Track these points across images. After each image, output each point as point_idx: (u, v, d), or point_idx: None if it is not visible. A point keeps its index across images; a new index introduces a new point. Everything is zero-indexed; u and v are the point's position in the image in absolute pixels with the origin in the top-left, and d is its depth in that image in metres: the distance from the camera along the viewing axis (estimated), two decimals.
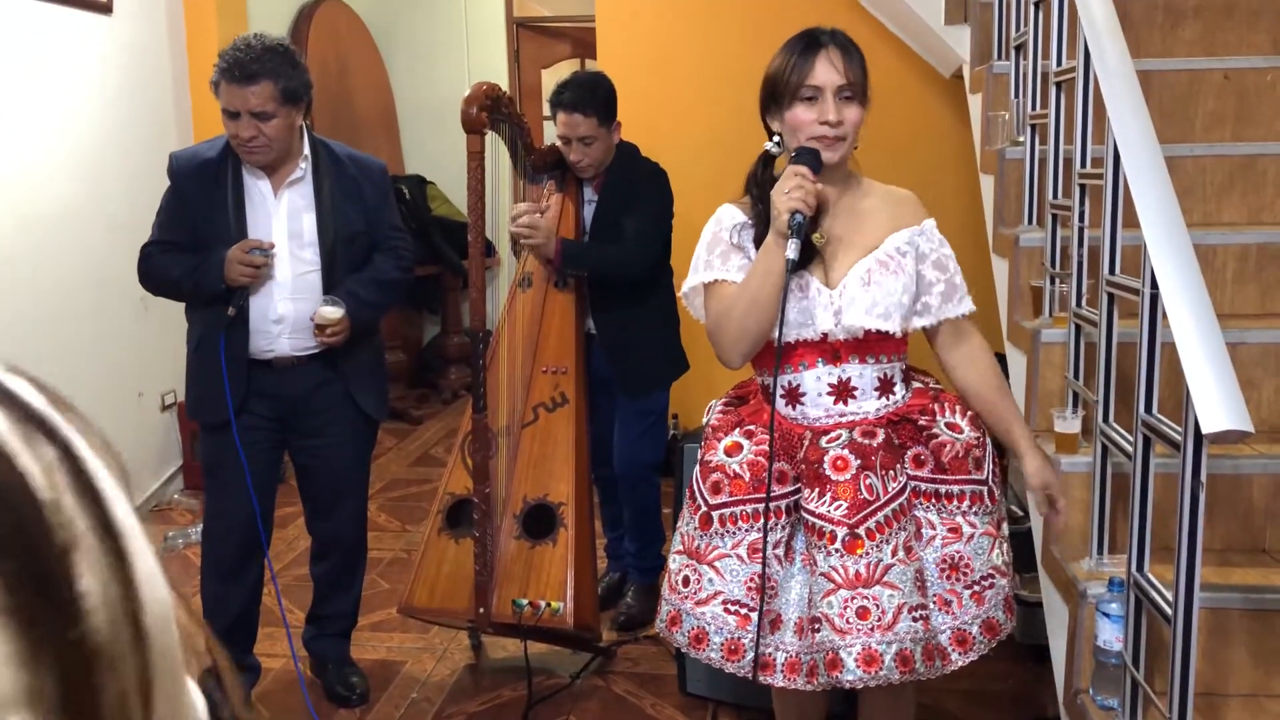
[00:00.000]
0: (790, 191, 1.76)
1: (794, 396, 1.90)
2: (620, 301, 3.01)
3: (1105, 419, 2.03)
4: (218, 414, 2.52)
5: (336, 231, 2.55)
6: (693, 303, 1.98)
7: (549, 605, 2.66)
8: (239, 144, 2.45)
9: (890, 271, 1.86)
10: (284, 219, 2.54)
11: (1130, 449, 1.86)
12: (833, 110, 1.80)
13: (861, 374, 1.87)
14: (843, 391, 1.87)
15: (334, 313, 2.50)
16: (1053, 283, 2.39)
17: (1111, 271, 2.02)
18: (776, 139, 1.90)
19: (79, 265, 3.86)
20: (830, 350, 1.86)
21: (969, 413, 1.93)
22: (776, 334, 1.80)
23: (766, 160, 1.94)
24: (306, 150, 2.55)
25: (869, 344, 1.86)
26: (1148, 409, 1.79)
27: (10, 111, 3.55)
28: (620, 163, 3.03)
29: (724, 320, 1.86)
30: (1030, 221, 2.61)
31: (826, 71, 1.80)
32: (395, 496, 4.49)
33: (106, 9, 3.99)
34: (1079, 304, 2.22)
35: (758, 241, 1.88)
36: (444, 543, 2.83)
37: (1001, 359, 3.19)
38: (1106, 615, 1.89)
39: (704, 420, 2.05)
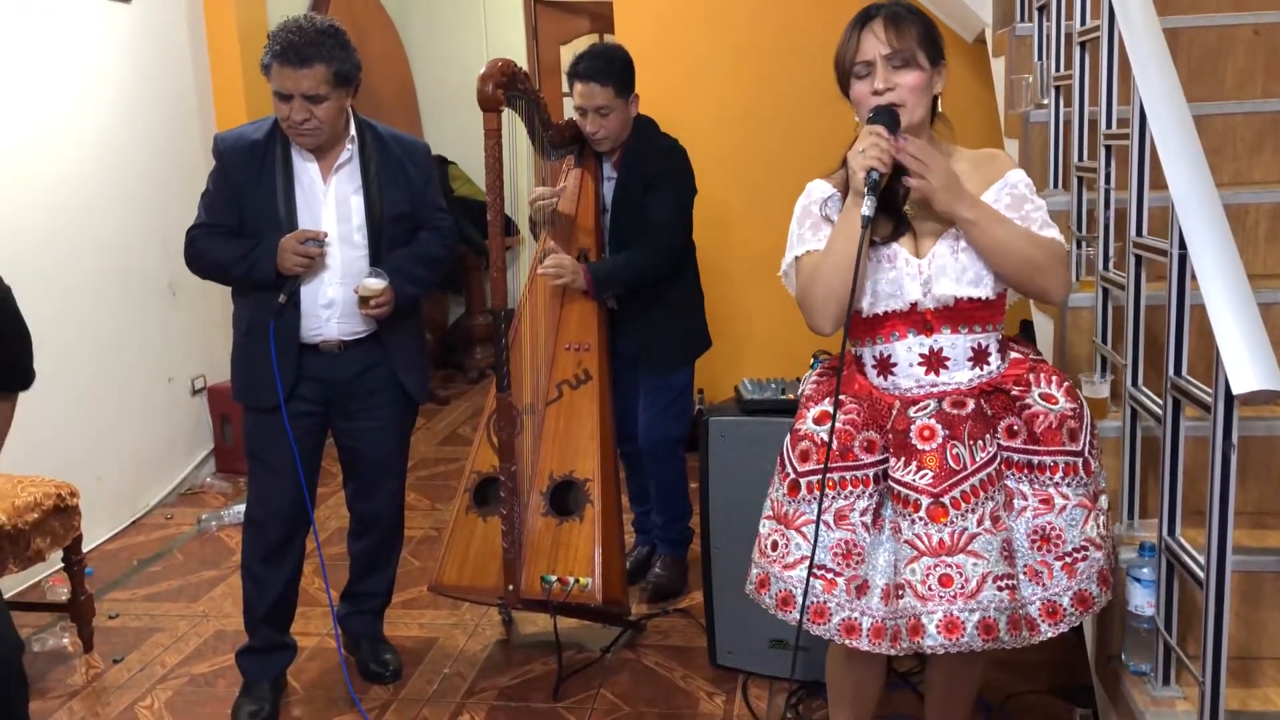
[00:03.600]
0: (866, 150, 1.75)
1: (885, 367, 1.88)
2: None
3: (1134, 383, 2.00)
4: (268, 398, 2.52)
5: (384, 213, 2.55)
6: (790, 281, 1.94)
7: (577, 581, 2.67)
8: (291, 126, 2.44)
9: None
10: (333, 204, 2.53)
11: (1160, 412, 1.84)
12: (881, 79, 1.80)
13: (954, 344, 1.85)
14: (934, 362, 1.85)
15: (377, 284, 2.48)
16: (1079, 246, 2.36)
17: (1139, 233, 1.99)
18: (858, 120, 1.87)
19: (106, 253, 3.90)
20: (921, 320, 1.84)
21: (1065, 383, 1.88)
22: (850, 299, 1.77)
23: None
24: (353, 131, 2.55)
25: (961, 313, 1.83)
26: (1177, 371, 1.77)
27: (34, 102, 3.57)
28: (639, 138, 3.01)
29: (810, 285, 1.85)
30: (1056, 185, 2.57)
31: (871, 44, 1.80)
32: (424, 475, 4.52)
33: None
34: (1106, 267, 2.19)
35: None
36: (472, 521, 2.85)
37: (1029, 325, 3.17)
38: (1138, 580, 1.88)
39: (800, 389, 2.05)
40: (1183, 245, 1.70)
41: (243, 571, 2.68)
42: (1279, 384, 1.50)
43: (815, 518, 1.84)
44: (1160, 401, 1.84)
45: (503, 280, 2.67)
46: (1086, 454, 1.83)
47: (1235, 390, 1.51)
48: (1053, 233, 1.85)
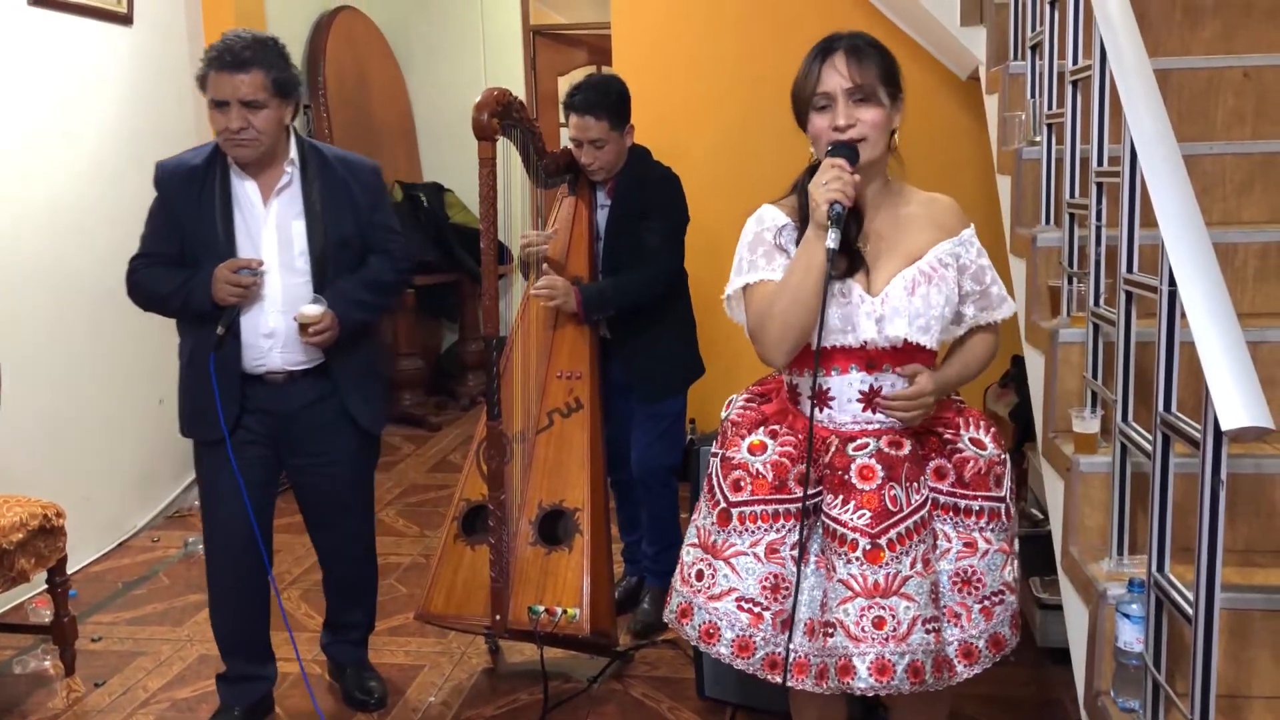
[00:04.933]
0: (828, 183, 1.75)
1: (822, 400, 1.88)
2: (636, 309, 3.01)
3: (1124, 418, 2.01)
4: (212, 431, 2.45)
5: (327, 237, 2.47)
6: (734, 310, 1.94)
7: (565, 612, 2.66)
8: (227, 137, 2.37)
9: (933, 284, 1.84)
10: (273, 228, 2.46)
11: (1150, 448, 1.84)
12: (842, 114, 1.79)
13: (894, 384, 1.86)
14: (873, 399, 1.86)
15: (314, 310, 2.41)
16: (1070, 282, 2.37)
17: (1129, 270, 2.00)
18: (813, 150, 1.89)
19: (99, 274, 3.89)
20: (867, 358, 1.85)
21: (992, 429, 1.93)
22: (816, 333, 1.78)
23: (813, 170, 1.90)
24: (293, 153, 2.48)
25: (905, 354, 1.85)
26: (1166, 407, 1.77)
27: (33, 122, 3.58)
28: (632, 166, 3.03)
29: (766, 319, 1.83)
30: (1047, 221, 2.59)
31: (832, 77, 1.80)
32: (413, 502, 4.50)
33: (127, 20, 4.03)
34: (1097, 303, 2.20)
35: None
36: (460, 549, 2.83)
37: (1020, 360, 3.18)
38: (1127, 616, 1.87)
39: (723, 414, 2.03)
40: (1173, 282, 1.70)
41: (210, 607, 2.67)
42: (1268, 421, 1.51)
43: (745, 549, 1.84)
44: (1150, 437, 1.84)
45: (495, 308, 2.67)
46: (1008, 500, 1.88)
47: (1224, 427, 1.51)
48: (1006, 309, 1.94)
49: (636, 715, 2.73)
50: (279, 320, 2.45)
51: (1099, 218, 2.19)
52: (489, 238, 2.63)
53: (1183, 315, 1.68)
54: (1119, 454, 2.00)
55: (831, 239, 1.73)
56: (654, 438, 3.10)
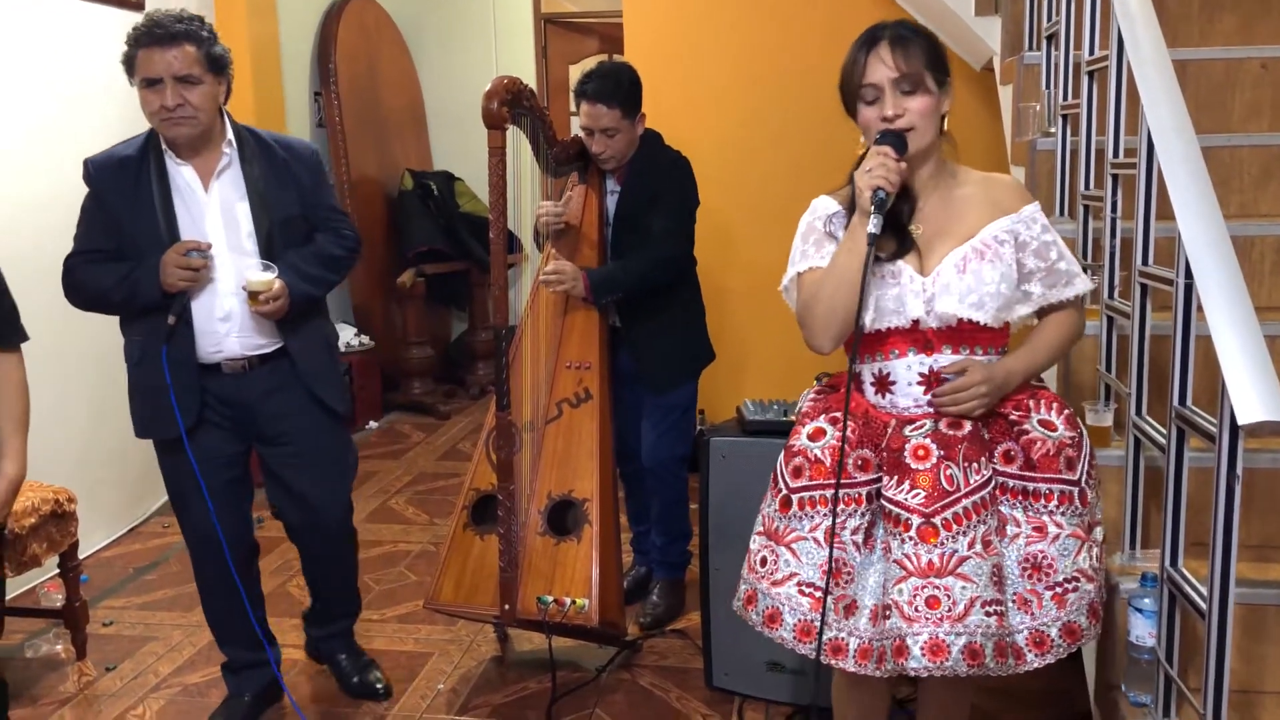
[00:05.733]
0: (873, 170, 1.74)
1: (884, 385, 1.87)
2: (645, 294, 3.00)
3: (1138, 412, 2.00)
4: (170, 429, 2.38)
5: (273, 216, 2.42)
6: (791, 297, 1.93)
7: (574, 602, 2.66)
8: (163, 116, 2.28)
9: (986, 260, 1.81)
10: (217, 211, 2.39)
11: (1164, 442, 1.83)
12: (890, 105, 1.78)
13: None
14: (933, 382, 1.83)
15: (264, 276, 2.34)
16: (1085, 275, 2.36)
17: (1145, 262, 1.99)
18: (864, 140, 1.87)
19: None
20: (922, 339, 1.83)
21: (1066, 411, 1.87)
22: (857, 316, 1.77)
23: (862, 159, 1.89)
24: (230, 135, 2.42)
25: (963, 334, 1.82)
26: (1181, 401, 1.76)
27: (39, 113, 3.59)
28: (643, 152, 3.01)
29: (812, 303, 1.84)
30: (1062, 213, 2.58)
31: (878, 69, 1.78)
32: (423, 490, 4.51)
33: (139, 6, 4.03)
34: (1111, 296, 2.19)
35: None
36: (469, 538, 2.83)
37: None
38: (1140, 611, 1.86)
39: (796, 408, 2.03)
40: (1189, 275, 1.69)
41: (200, 596, 2.67)
42: None
43: (805, 534, 1.84)
44: (1164, 431, 1.83)
45: (504, 297, 2.66)
46: (1083, 484, 1.81)
47: (1241, 421, 1.50)
48: (1080, 284, 1.87)
49: (644, 705, 2.74)
50: (233, 302, 2.39)
51: (1114, 210, 2.18)
52: (498, 227, 2.62)
53: (1199, 308, 1.67)
54: (1132, 447, 1.99)
55: (873, 224, 1.72)
56: (664, 429, 3.09)
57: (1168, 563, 1.80)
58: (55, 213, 3.63)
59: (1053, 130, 2.64)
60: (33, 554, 2.82)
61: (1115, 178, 2.18)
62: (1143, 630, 1.86)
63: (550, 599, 2.66)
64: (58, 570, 3.04)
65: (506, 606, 2.69)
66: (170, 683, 2.89)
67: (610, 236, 3.03)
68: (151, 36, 2.25)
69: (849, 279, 1.77)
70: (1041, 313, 1.89)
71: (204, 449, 2.43)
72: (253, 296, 2.35)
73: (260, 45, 4.55)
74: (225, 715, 2.63)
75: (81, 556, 3.17)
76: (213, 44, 2.31)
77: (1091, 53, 2.41)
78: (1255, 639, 1.91)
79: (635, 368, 3.06)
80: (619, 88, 2.89)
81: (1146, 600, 1.85)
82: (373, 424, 5.52)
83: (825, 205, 1.92)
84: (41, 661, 3.01)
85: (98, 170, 2.39)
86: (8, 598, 3.23)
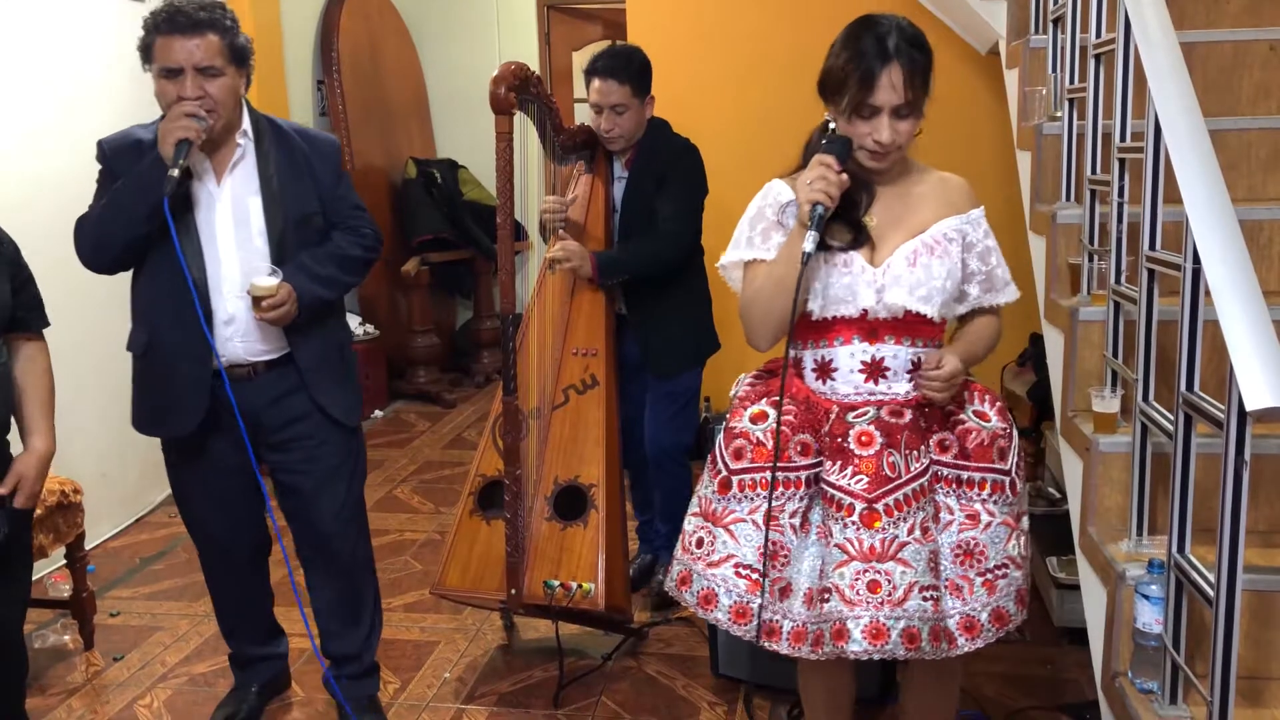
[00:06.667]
0: (813, 183, 1.76)
1: (825, 371, 1.90)
2: (651, 281, 2.99)
3: (1145, 398, 1.98)
4: (173, 428, 2.31)
5: (286, 214, 2.28)
6: (730, 275, 1.98)
7: (580, 586, 2.66)
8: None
9: (936, 255, 1.86)
10: (228, 205, 2.26)
11: (1171, 428, 1.82)
12: (886, 131, 1.79)
13: (896, 355, 1.87)
14: (875, 370, 1.87)
15: (267, 282, 2.20)
16: (1091, 260, 2.35)
17: (1152, 247, 1.97)
18: (829, 117, 1.87)
19: None
20: (868, 328, 1.86)
21: (998, 403, 1.93)
22: (790, 325, 1.82)
23: (824, 130, 1.90)
24: (246, 124, 2.29)
25: (907, 325, 1.86)
26: (1189, 386, 1.75)
27: (46, 100, 3.58)
28: (651, 138, 3.01)
29: (751, 305, 1.89)
30: (1068, 198, 2.56)
31: (886, 93, 1.77)
32: (429, 479, 4.51)
33: None
34: (1118, 281, 2.17)
35: None
36: (475, 524, 2.83)
37: (1038, 338, 3.15)
38: (1146, 597, 1.85)
39: (731, 393, 2.05)
40: (1196, 259, 1.68)
41: (208, 588, 2.62)
42: None
43: (744, 516, 1.87)
44: (1171, 417, 1.82)
45: (511, 284, 2.65)
46: (1014, 474, 1.87)
47: (1249, 407, 1.49)
48: (1010, 292, 1.95)
49: (650, 692, 2.74)
50: (237, 305, 2.25)
51: (1121, 194, 2.16)
52: (505, 212, 2.61)
53: (1206, 293, 1.66)
54: (1139, 434, 1.99)
55: (809, 241, 1.74)
56: (668, 417, 3.09)
57: (1174, 549, 1.79)
58: (61, 199, 3.63)
59: (1059, 114, 2.62)
60: (39, 545, 2.82)
61: (1122, 162, 2.16)
62: (1149, 617, 1.85)
63: (556, 583, 2.66)
64: (65, 561, 3.05)
65: (513, 591, 2.70)
66: (177, 672, 2.91)
67: (618, 223, 3.03)
68: (173, 24, 2.12)
69: (787, 287, 1.78)
70: (966, 316, 1.96)
71: (210, 455, 2.36)
72: (256, 302, 2.21)
73: (263, 33, 4.53)
74: (233, 705, 2.63)
75: (88, 547, 3.18)
76: (236, 34, 2.20)
77: (1098, 36, 2.39)
78: (1263, 625, 1.90)
79: (639, 354, 3.06)
80: (630, 65, 2.90)
81: (1153, 587, 1.85)
82: (378, 413, 5.52)
83: (779, 192, 1.92)
84: (49, 651, 3.02)
85: (112, 151, 2.28)
86: None
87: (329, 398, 2.37)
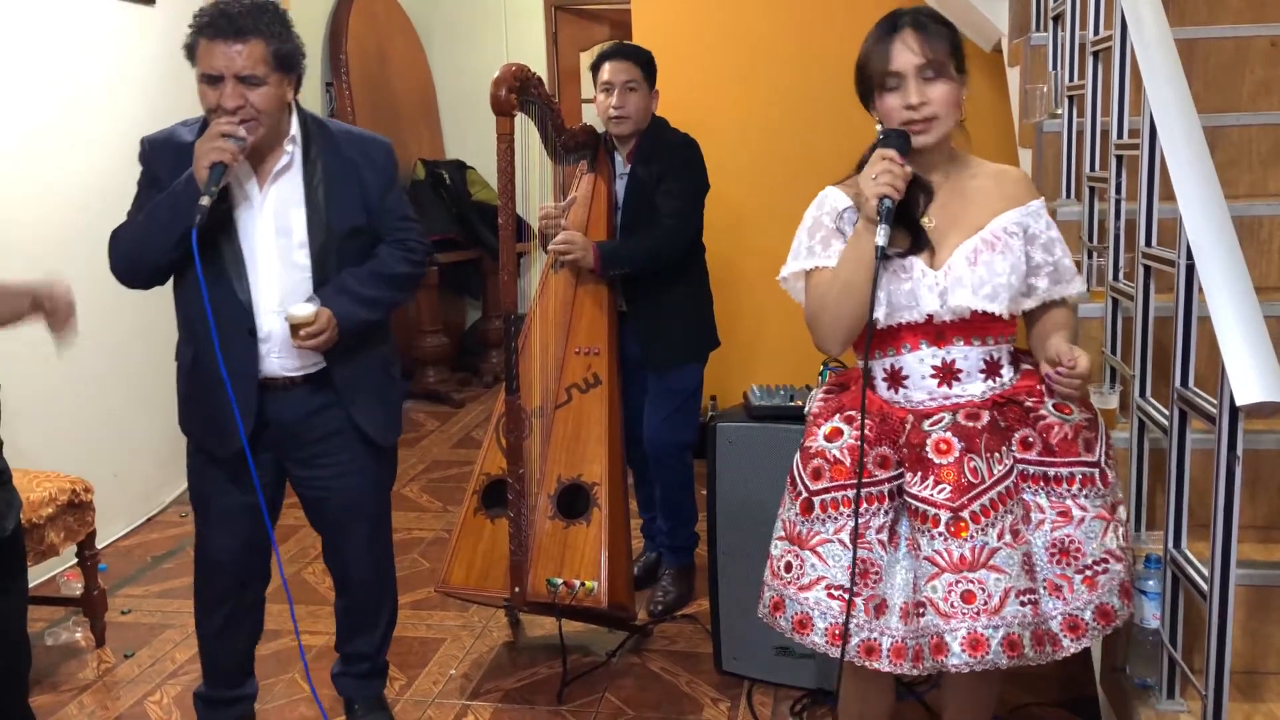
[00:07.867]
0: (877, 177, 1.71)
1: (896, 379, 1.85)
2: (652, 277, 3.01)
3: (1142, 394, 1.99)
4: (222, 445, 2.21)
5: (331, 227, 2.19)
6: (792, 286, 1.92)
7: (584, 584, 2.68)
8: (221, 118, 2.07)
9: (997, 252, 1.80)
10: (270, 217, 2.17)
11: (1166, 424, 1.83)
12: (914, 93, 1.75)
13: (967, 356, 1.82)
14: (947, 374, 1.82)
15: (303, 309, 2.10)
16: (1090, 256, 2.36)
17: (1148, 244, 1.98)
18: (880, 125, 1.84)
19: None
20: (934, 332, 1.81)
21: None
22: (869, 319, 1.76)
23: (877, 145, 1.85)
24: (295, 130, 2.19)
25: (975, 325, 1.81)
26: (1183, 382, 1.76)
27: (55, 104, 3.61)
28: (652, 134, 3.04)
29: (820, 309, 1.82)
30: (1069, 195, 2.57)
31: (902, 54, 1.75)
32: (437, 478, 4.54)
33: (149, 0, 4.05)
34: (1116, 278, 2.18)
35: None
36: (480, 523, 2.86)
37: None
38: (1144, 593, 1.86)
39: (805, 409, 2.02)
40: (1190, 256, 1.69)
41: (195, 611, 2.44)
42: None
43: (830, 536, 1.81)
44: (1166, 413, 1.83)
45: (513, 284, 2.68)
46: (1103, 464, 1.79)
47: (1239, 402, 1.50)
48: (1079, 284, 1.87)
49: (654, 689, 2.76)
50: (274, 321, 2.17)
51: (1119, 191, 2.17)
52: (507, 213, 2.63)
53: (1200, 290, 1.67)
54: (1136, 430, 1.99)
55: (881, 235, 1.70)
56: (667, 414, 3.10)
57: (1171, 544, 1.81)
58: (72, 202, 3.67)
59: (1059, 112, 2.63)
60: (50, 543, 2.86)
61: (1119, 159, 2.17)
62: (1147, 612, 1.86)
63: (559, 581, 2.68)
64: (76, 559, 3.08)
65: (516, 589, 2.72)
66: (187, 669, 2.93)
67: (620, 219, 3.05)
68: (215, 28, 2.03)
69: (856, 288, 1.75)
70: (1035, 311, 1.88)
71: (234, 469, 2.24)
72: (294, 330, 2.11)
73: None
74: None
75: (100, 545, 3.21)
76: (284, 40, 2.09)
77: (1096, 33, 2.40)
78: (1260, 620, 1.91)
79: (640, 350, 3.07)
80: (640, 54, 3.04)
81: (1151, 582, 1.86)
82: None
83: (835, 199, 1.88)
84: (61, 649, 3.06)
85: (154, 150, 2.20)
86: (29, 586, 3.29)
87: (366, 415, 2.29)
